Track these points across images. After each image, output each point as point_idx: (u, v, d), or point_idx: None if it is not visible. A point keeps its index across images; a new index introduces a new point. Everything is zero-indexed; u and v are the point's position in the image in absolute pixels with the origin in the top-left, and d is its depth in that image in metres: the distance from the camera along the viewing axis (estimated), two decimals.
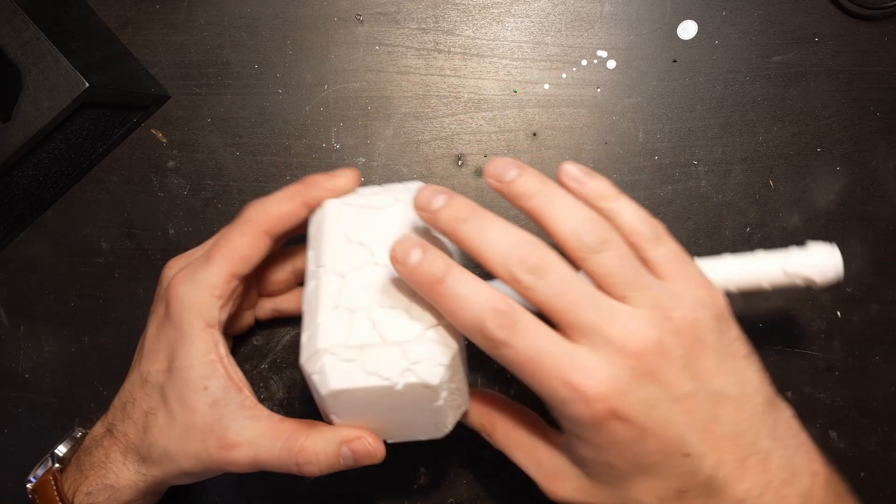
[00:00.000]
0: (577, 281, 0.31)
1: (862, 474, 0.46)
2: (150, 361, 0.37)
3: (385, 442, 0.36)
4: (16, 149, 0.39)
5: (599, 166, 0.47)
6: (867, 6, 0.46)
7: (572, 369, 0.30)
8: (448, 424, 0.36)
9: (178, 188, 0.47)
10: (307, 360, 0.33)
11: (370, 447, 0.35)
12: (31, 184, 0.45)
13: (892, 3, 0.46)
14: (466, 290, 0.31)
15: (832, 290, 0.47)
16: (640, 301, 0.31)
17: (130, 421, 0.37)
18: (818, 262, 0.36)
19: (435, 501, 0.46)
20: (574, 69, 0.47)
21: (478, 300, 0.31)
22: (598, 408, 0.30)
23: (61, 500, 0.37)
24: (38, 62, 0.39)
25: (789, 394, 0.47)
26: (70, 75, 0.39)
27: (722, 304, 0.34)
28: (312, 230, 0.37)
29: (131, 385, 0.38)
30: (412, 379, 0.32)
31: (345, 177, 0.38)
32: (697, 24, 0.47)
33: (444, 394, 0.33)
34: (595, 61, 0.47)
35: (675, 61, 0.47)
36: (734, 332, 0.33)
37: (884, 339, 0.47)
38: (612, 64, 0.47)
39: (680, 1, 0.47)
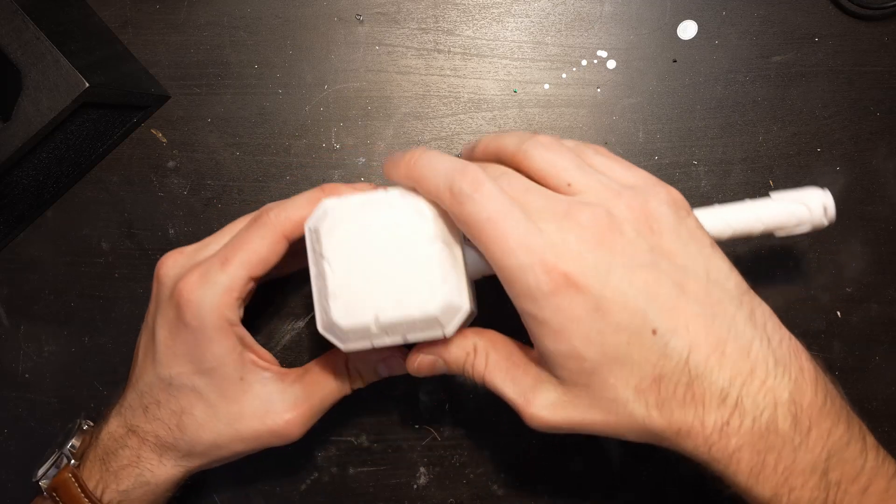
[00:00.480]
0: (517, 178, 0.33)
1: None
2: (170, 365, 0.37)
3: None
4: (16, 149, 0.39)
5: None
6: (867, 6, 0.46)
7: (528, 234, 0.30)
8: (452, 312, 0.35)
9: (178, 188, 0.47)
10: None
11: (402, 361, 0.38)
12: (31, 184, 0.45)
13: (892, 4, 0.46)
14: (441, 158, 0.33)
15: (832, 290, 0.47)
16: (585, 184, 0.33)
17: (159, 422, 0.38)
18: (809, 199, 0.37)
19: (435, 501, 0.46)
20: (574, 69, 0.47)
21: (449, 163, 0.33)
22: (553, 275, 0.30)
23: (88, 498, 0.37)
24: (38, 62, 0.39)
25: None
26: (70, 75, 0.39)
27: (677, 194, 0.33)
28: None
29: (150, 388, 0.38)
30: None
31: (365, 190, 0.37)
32: (697, 24, 0.47)
33: (438, 244, 0.34)
34: (595, 61, 0.47)
35: (675, 61, 0.47)
36: (693, 222, 0.33)
37: (884, 339, 0.47)
38: (612, 64, 0.47)
39: (680, 1, 0.47)
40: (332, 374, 0.39)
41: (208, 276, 0.36)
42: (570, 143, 0.36)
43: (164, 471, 0.38)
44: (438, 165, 0.33)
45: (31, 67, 0.39)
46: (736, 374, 0.30)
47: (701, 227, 0.33)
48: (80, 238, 0.47)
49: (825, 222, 0.37)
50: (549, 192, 0.33)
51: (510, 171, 0.34)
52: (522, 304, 0.31)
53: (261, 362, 0.38)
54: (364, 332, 0.34)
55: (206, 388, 0.37)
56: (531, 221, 0.31)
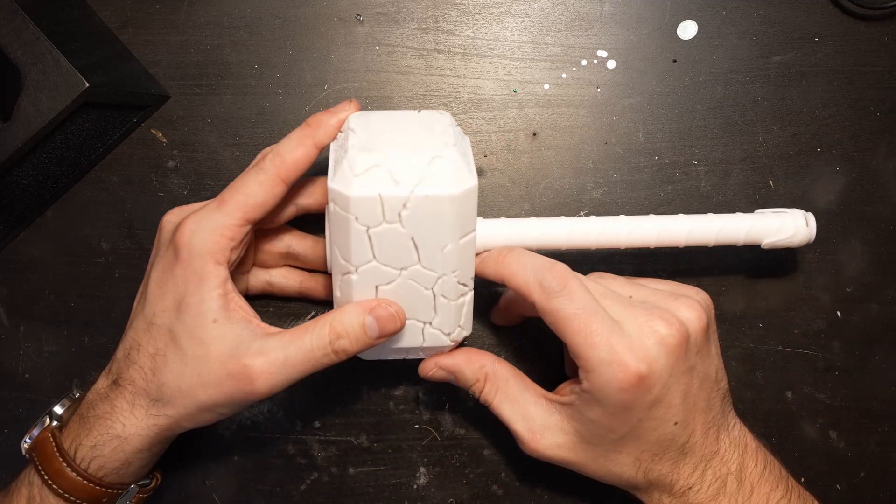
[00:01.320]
0: (594, 282, 0.38)
1: (862, 474, 0.46)
2: (155, 303, 0.37)
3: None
4: (16, 149, 0.39)
5: (599, 166, 0.47)
6: (867, 6, 0.46)
7: (614, 334, 0.34)
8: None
9: (178, 188, 0.47)
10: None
11: (392, 310, 0.37)
12: (31, 184, 0.45)
13: (892, 4, 0.46)
14: (529, 256, 0.37)
15: (832, 290, 0.47)
16: (644, 295, 0.38)
17: (136, 367, 0.37)
18: (792, 212, 0.41)
19: (435, 501, 0.46)
20: (574, 69, 0.47)
21: (537, 260, 0.37)
22: (630, 375, 0.34)
23: (61, 455, 0.37)
24: (38, 62, 0.39)
25: (789, 394, 0.47)
26: (70, 75, 0.39)
27: (706, 295, 0.39)
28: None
29: (135, 332, 0.38)
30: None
31: (346, 110, 0.39)
32: (697, 24, 0.47)
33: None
34: (595, 61, 0.47)
35: (675, 61, 0.47)
36: (714, 325, 0.39)
37: (884, 339, 0.47)
38: (612, 64, 0.47)
39: (680, 1, 0.47)
40: (315, 329, 0.36)
41: (204, 214, 0.37)
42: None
43: (134, 422, 0.37)
44: (528, 262, 0.37)
45: (31, 67, 0.38)
46: (708, 453, 0.37)
47: (716, 330, 0.39)
48: (80, 238, 0.47)
49: (807, 230, 0.41)
50: (625, 297, 0.37)
51: (588, 280, 0.37)
52: (593, 388, 0.35)
53: (240, 310, 0.37)
54: (374, 176, 0.35)
55: (181, 328, 0.36)
56: (616, 322, 0.35)
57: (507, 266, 0.37)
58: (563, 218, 0.41)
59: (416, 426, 0.46)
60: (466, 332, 0.40)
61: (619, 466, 0.37)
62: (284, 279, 0.45)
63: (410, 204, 0.35)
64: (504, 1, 0.47)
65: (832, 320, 0.47)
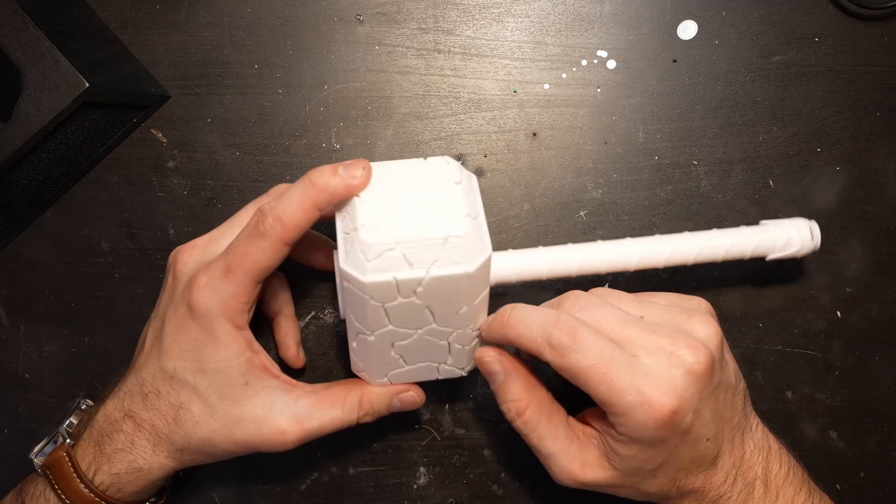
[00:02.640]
0: (609, 310, 0.36)
1: (862, 474, 0.46)
2: (175, 358, 0.38)
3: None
4: (16, 149, 0.39)
5: (599, 166, 0.47)
6: (867, 6, 0.46)
7: (636, 375, 0.33)
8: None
9: (178, 188, 0.47)
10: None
11: (417, 398, 0.41)
12: (31, 184, 0.45)
13: (892, 4, 0.46)
14: (530, 313, 0.35)
15: (832, 290, 0.47)
16: (655, 314, 0.37)
17: (156, 412, 0.38)
18: (797, 223, 0.41)
19: (435, 501, 0.46)
20: (574, 69, 0.47)
21: (541, 317, 0.35)
22: (663, 413, 0.33)
23: (79, 477, 0.37)
24: (38, 62, 0.39)
25: (789, 394, 0.47)
26: (70, 75, 0.39)
27: (711, 307, 0.39)
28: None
29: (152, 377, 0.38)
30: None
31: (356, 176, 0.36)
32: (697, 24, 0.47)
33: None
34: (595, 61, 0.47)
35: (675, 61, 0.47)
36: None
37: (884, 339, 0.47)
38: (612, 64, 0.47)
39: (680, 1, 0.47)
40: (343, 401, 0.39)
41: (215, 282, 0.37)
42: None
43: (157, 460, 0.38)
44: (532, 321, 0.35)
45: (31, 67, 0.38)
46: (736, 460, 0.37)
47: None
48: (80, 238, 0.47)
49: (811, 243, 0.41)
50: (643, 321, 0.35)
51: (598, 300, 0.36)
52: (627, 431, 0.34)
53: (270, 369, 0.39)
54: (388, 260, 0.34)
55: (207, 387, 0.37)
56: (634, 358, 0.34)
57: (512, 328, 0.36)
58: (570, 245, 0.40)
59: (416, 426, 0.46)
60: None
61: (655, 487, 0.37)
62: (273, 296, 0.44)
63: (426, 283, 0.34)
64: (504, 1, 0.47)
65: (832, 320, 0.47)
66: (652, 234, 0.41)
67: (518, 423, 0.38)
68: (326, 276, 0.46)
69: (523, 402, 0.37)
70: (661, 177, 0.47)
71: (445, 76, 0.47)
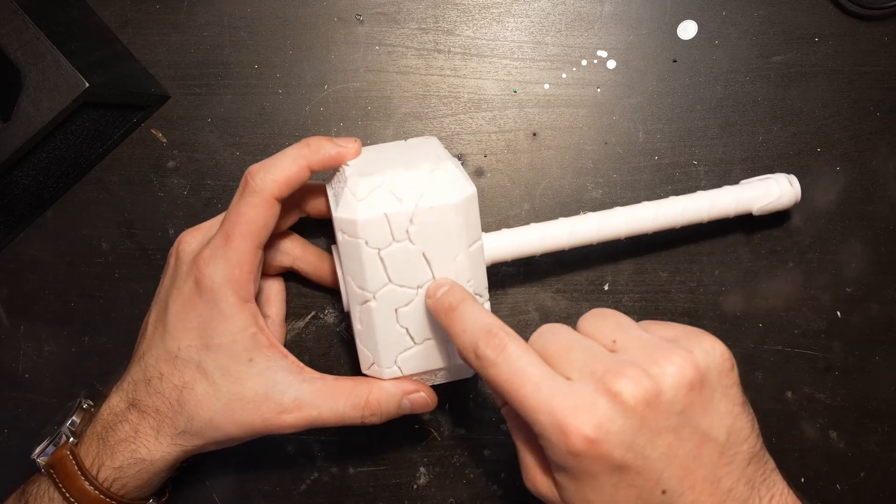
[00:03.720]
0: (564, 333, 0.34)
1: (862, 474, 0.46)
2: (179, 337, 0.37)
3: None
4: (16, 149, 0.39)
5: (599, 166, 0.47)
6: (867, 6, 0.46)
7: (553, 397, 0.30)
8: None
9: (178, 188, 0.47)
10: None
11: (428, 399, 0.40)
12: (31, 184, 0.45)
13: (892, 4, 0.46)
14: (472, 316, 0.34)
15: (832, 290, 0.47)
16: (627, 340, 0.33)
17: (159, 395, 0.38)
18: (776, 177, 0.43)
19: (435, 501, 0.46)
20: (574, 69, 0.47)
21: (477, 324, 0.33)
22: (575, 440, 0.30)
23: (83, 475, 0.37)
24: (38, 62, 0.39)
25: (789, 394, 0.47)
26: (70, 75, 0.39)
27: (722, 347, 0.33)
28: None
29: (155, 360, 0.38)
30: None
31: (349, 146, 0.38)
32: (697, 24, 0.47)
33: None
34: (595, 61, 0.47)
35: (675, 61, 0.47)
36: (734, 378, 0.33)
37: (884, 339, 0.47)
38: (612, 64, 0.47)
39: (680, 1, 0.47)
40: (348, 396, 0.38)
41: (218, 252, 0.37)
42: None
43: (160, 448, 0.38)
44: (469, 325, 0.34)
45: (31, 67, 0.38)
46: None
47: (738, 383, 0.33)
48: (80, 238, 0.47)
49: (792, 191, 0.43)
50: (596, 347, 0.33)
51: (561, 327, 0.34)
52: (550, 455, 0.32)
53: (277, 347, 0.38)
54: (377, 197, 0.35)
55: (211, 364, 0.37)
56: (556, 381, 0.31)
57: (451, 324, 0.35)
58: (561, 220, 0.41)
59: (416, 426, 0.46)
60: None
61: None
62: (280, 254, 0.44)
63: (416, 218, 0.35)
64: (504, 1, 0.47)
65: (832, 320, 0.47)
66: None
67: (504, 411, 0.36)
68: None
69: (505, 413, 0.36)
70: (661, 177, 0.47)
71: (445, 76, 0.47)
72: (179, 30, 0.47)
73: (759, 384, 0.47)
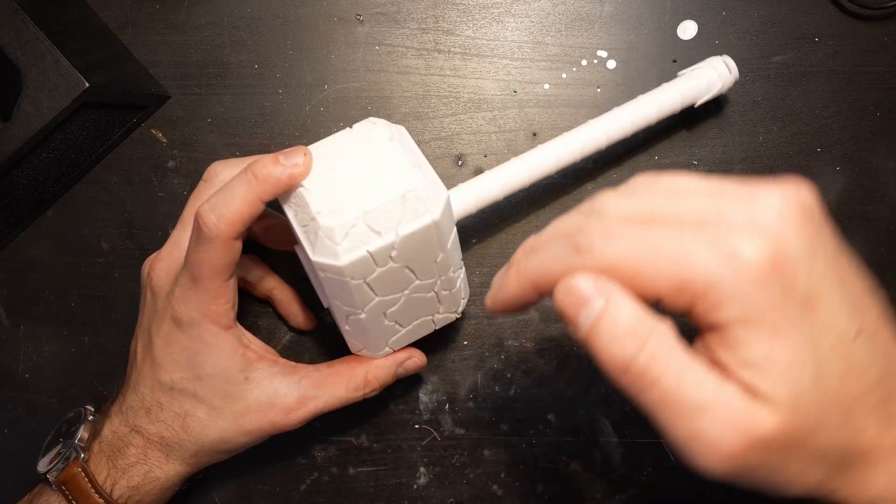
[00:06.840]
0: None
1: None
2: (170, 371, 0.38)
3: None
4: (16, 149, 0.39)
5: (599, 166, 0.47)
6: (867, 6, 0.46)
7: (702, 235, 0.24)
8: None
9: (178, 188, 0.47)
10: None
11: (419, 362, 0.42)
12: (31, 184, 0.45)
13: (892, 4, 0.46)
14: (548, 241, 0.29)
15: None
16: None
17: (162, 424, 0.38)
18: (712, 62, 0.43)
19: (435, 501, 0.46)
20: (574, 69, 0.47)
21: (561, 226, 0.29)
22: (758, 258, 0.24)
23: (97, 492, 0.37)
24: (38, 62, 0.39)
25: None
26: (70, 75, 0.39)
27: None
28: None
29: (151, 391, 0.38)
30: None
31: (298, 163, 0.35)
32: (697, 24, 0.47)
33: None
34: (595, 61, 0.47)
35: (675, 61, 0.47)
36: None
37: None
38: (612, 64, 0.47)
39: (680, 1, 0.47)
40: (347, 380, 0.40)
41: (188, 294, 0.36)
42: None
43: (173, 469, 0.39)
44: (550, 241, 0.28)
45: (31, 67, 0.39)
46: None
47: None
48: (80, 238, 0.47)
49: (730, 76, 0.43)
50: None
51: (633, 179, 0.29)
52: (728, 315, 0.24)
53: (267, 357, 0.39)
54: (355, 237, 0.33)
55: (208, 392, 0.38)
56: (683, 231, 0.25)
57: (530, 268, 0.28)
58: (514, 159, 0.41)
59: (416, 426, 0.46)
60: (467, 298, 0.41)
61: (836, 424, 0.25)
62: (258, 281, 0.44)
63: (398, 244, 0.34)
64: (504, 1, 0.47)
65: None
66: None
67: (637, 368, 0.24)
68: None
69: (643, 332, 0.25)
70: None
71: (445, 76, 0.47)
72: (179, 30, 0.47)
73: None
